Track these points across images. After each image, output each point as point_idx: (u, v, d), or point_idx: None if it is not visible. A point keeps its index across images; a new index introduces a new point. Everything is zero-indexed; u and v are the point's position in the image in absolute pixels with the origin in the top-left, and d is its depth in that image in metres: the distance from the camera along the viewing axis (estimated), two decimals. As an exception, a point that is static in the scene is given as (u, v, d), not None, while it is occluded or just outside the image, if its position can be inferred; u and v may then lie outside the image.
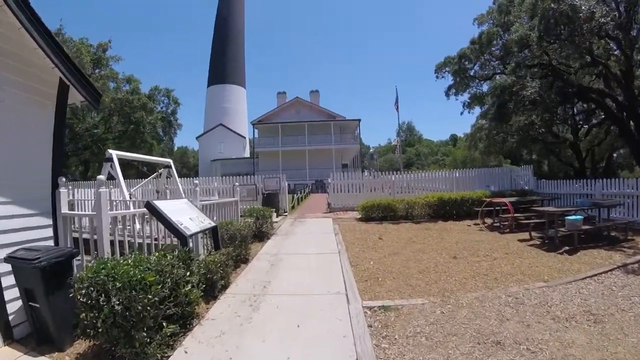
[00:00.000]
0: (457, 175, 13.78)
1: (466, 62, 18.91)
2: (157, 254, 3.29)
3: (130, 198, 11.03)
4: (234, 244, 5.24)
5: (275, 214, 11.80)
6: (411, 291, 4.46)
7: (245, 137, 43.22)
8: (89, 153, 28.53)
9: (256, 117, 38.03)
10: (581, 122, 20.60)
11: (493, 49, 17.83)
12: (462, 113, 21.36)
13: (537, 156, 28.81)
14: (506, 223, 8.83)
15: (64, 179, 3.82)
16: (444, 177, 13.85)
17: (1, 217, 3.26)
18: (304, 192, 22.36)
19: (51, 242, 3.78)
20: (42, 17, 3.46)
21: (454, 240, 7.56)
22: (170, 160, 12.01)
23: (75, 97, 4.37)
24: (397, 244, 7.31)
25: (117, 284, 2.62)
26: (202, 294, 3.72)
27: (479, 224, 9.44)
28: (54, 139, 4.03)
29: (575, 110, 19.20)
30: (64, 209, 3.78)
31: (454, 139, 78.67)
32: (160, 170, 11.94)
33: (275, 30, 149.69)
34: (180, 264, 3.26)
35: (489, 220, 9.62)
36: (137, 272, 2.68)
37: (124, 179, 18.38)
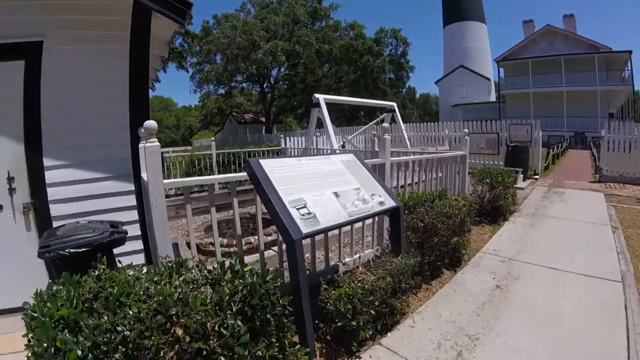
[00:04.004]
0: None
1: None
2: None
3: (344, 147, 10.25)
4: (429, 244, 2.71)
5: (521, 175, 8.17)
6: None
7: (489, 79, 36.55)
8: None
9: (500, 54, 31.40)
10: None
11: None
12: None
13: None
14: None
15: (142, 130, 2.50)
16: None
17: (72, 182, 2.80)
18: (561, 147, 16.94)
19: (134, 213, 3.01)
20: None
21: None
22: (393, 104, 10.61)
23: (168, 26, 3.17)
24: None
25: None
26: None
27: None
28: (131, 77, 2.99)
29: None
30: (144, 173, 2.32)
31: None
32: (382, 115, 10.76)
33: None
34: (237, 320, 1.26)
35: None
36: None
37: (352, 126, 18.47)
